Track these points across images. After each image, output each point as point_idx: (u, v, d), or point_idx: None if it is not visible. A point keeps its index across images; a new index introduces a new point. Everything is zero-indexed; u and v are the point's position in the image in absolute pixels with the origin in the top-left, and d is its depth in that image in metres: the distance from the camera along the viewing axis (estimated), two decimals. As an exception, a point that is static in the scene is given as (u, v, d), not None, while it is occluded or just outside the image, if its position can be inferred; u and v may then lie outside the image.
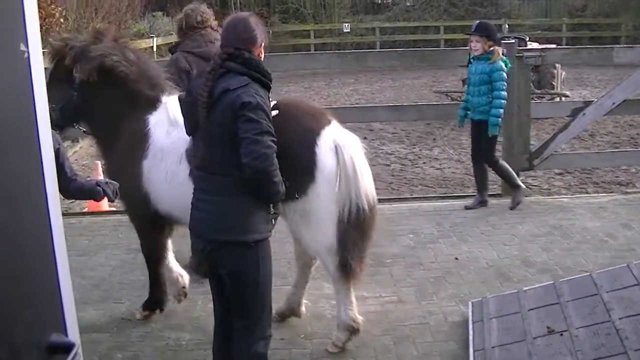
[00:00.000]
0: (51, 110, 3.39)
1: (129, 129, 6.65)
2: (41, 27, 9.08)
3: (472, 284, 7.64)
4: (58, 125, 6.41)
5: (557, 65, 20.01)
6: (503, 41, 11.48)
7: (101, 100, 6.62)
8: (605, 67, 26.74)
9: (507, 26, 26.25)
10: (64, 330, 2.62)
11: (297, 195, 5.82)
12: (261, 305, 5.18)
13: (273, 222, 5.15)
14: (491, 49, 9.83)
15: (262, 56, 5.12)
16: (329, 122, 6.11)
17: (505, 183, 10.51)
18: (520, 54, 10.69)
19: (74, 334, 2.67)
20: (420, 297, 7.37)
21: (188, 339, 6.75)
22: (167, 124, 6.56)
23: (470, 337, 6.21)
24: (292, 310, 6.96)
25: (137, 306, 7.31)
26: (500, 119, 9.76)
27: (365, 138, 17.14)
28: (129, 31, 19.73)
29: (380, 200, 10.82)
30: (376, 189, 12.30)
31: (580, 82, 27.53)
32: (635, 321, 5.40)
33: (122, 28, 25.75)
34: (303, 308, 7.00)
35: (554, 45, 20.21)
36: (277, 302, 7.17)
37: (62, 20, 19.85)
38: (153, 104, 6.71)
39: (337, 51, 22.22)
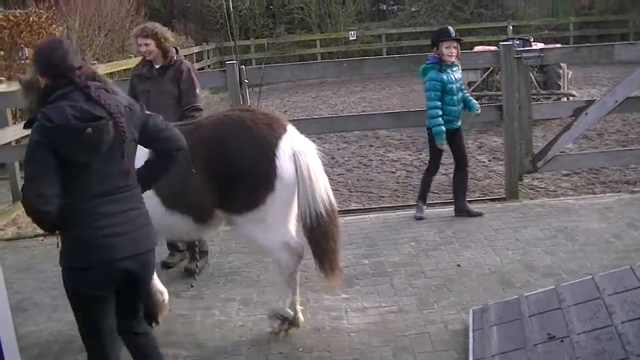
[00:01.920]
0: None
1: None
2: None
3: (474, 291, 7.52)
4: None
5: (562, 65, 19.87)
6: (504, 42, 11.38)
7: None
8: (613, 65, 26.61)
9: (511, 27, 26.08)
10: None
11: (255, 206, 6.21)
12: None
13: None
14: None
15: None
16: (285, 130, 6.31)
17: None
18: (519, 55, 10.56)
19: None
20: (421, 306, 7.26)
21: (185, 356, 6.67)
22: None
23: (470, 346, 6.11)
24: (290, 322, 6.89)
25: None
26: None
27: (371, 146, 17.15)
28: (133, 48, 19.60)
29: (382, 209, 10.92)
30: (381, 197, 12.53)
31: (588, 81, 27.36)
32: (637, 325, 5.30)
33: (126, 45, 25.81)
34: (300, 316, 6.95)
35: (559, 45, 20.05)
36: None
37: (63, 40, 19.78)
38: None
39: (332, 60, 22.11)
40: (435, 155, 10.20)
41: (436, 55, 9.91)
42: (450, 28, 10.13)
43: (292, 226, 6.68)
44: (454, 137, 10.07)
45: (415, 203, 10.43)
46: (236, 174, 6.17)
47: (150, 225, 5.02)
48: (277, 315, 6.77)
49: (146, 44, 8.47)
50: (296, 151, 6.24)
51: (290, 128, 6.39)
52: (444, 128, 9.73)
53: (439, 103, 9.75)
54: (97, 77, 4.79)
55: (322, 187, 6.34)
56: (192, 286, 8.27)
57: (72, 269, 4.73)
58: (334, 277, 6.55)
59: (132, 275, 4.85)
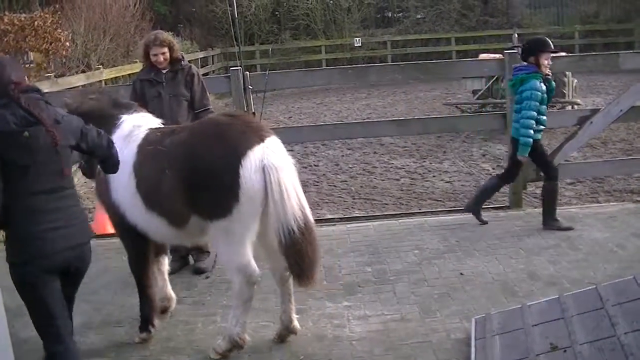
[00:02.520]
0: None
1: None
2: (47, 52, 9.20)
3: (476, 300, 7.50)
4: None
5: (567, 73, 19.86)
6: (509, 51, 11.36)
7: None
8: (618, 74, 26.59)
9: (516, 36, 26.02)
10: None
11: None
12: None
13: None
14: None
15: None
16: (260, 141, 6.19)
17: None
18: (524, 63, 10.52)
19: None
20: (423, 315, 7.24)
21: (186, 363, 6.65)
22: (122, 139, 6.74)
23: (472, 355, 6.09)
24: (287, 329, 6.90)
25: (136, 329, 7.23)
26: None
27: (375, 153, 17.14)
28: (137, 53, 19.64)
29: (386, 216, 10.88)
30: (385, 204, 12.51)
31: (593, 89, 27.35)
32: (640, 335, 5.27)
33: (131, 50, 25.81)
34: (296, 323, 6.92)
35: (564, 54, 20.03)
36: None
37: (67, 44, 19.82)
38: (114, 122, 6.97)
39: (338, 67, 22.11)
40: (516, 165, 9.92)
41: (532, 65, 9.59)
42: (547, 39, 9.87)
43: (250, 249, 6.48)
44: (538, 148, 9.80)
45: (420, 210, 10.37)
46: (201, 179, 6.18)
47: (85, 221, 5.67)
48: (231, 339, 6.58)
49: (163, 53, 8.65)
50: (267, 165, 6.09)
51: (270, 140, 6.28)
52: (532, 140, 9.53)
53: (535, 114, 9.47)
54: (39, 91, 5.43)
55: (295, 204, 6.19)
56: (207, 277, 8.73)
57: (16, 262, 5.23)
58: (310, 287, 6.48)
59: (71, 265, 5.38)
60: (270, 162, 6.10)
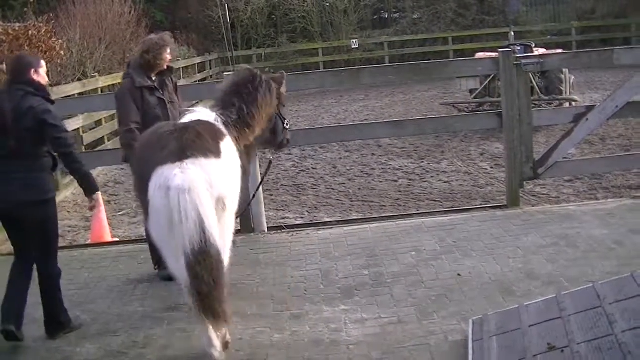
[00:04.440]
0: None
1: None
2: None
3: (474, 301, 7.44)
4: None
5: (564, 70, 19.85)
6: (503, 49, 11.33)
7: None
8: (616, 69, 26.49)
9: (512, 34, 26.02)
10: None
11: None
12: (54, 240, 7.51)
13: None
14: None
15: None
16: (176, 159, 6.16)
17: None
18: (519, 62, 10.49)
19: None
20: (421, 317, 7.17)
21: (183, 372, 6.62)
22: None
23: (470, 358, 6.05)
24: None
25: (133, 338, 7.26)
26: None
27: (373, 154, 17.12)
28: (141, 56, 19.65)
29: (383, 218, 10.85)
30: (382, 206, 12.50)
31: (591, 85, 27.38)
32: (639, 334, 5.22)
33: (127, 57, 25.78)
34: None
35: (560, 51, 20.01)
36: (280, 331, 7.10)
37: (62, 52, 19.79)
38: None
39: (330, 70, 22.12)
40: None
41: None
42: None
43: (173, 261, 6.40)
44: None
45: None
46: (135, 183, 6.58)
47: (32, 186, 7.14)
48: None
49: (170, 54, 8.80)
50: (170, 185, 6.03)
51: (190, 160, 6.17)
52: None
53: None
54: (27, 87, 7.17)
55: (193, 228, 6.01)
56: None
57: None
58: (215, 323, 6.29)
59: (12, 216, 7.24)
60: (174, 182, 6.02)
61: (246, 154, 7.50)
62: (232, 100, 7.38)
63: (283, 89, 8.07)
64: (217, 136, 6.68)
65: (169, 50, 8.72)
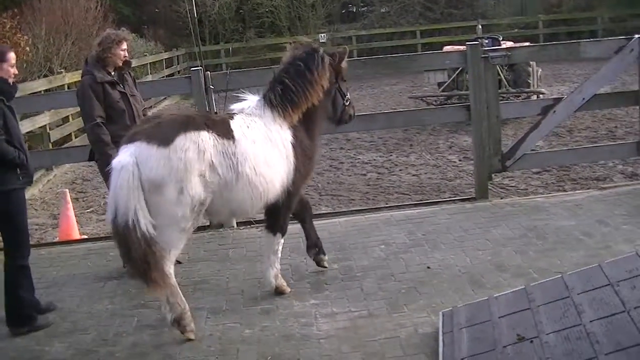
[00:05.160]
0: None
1: None
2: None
3: (444, 293, 7.47)
4: None
5: (532, 63, 19.94)
6: (471, 42, 11.35)
7: None
8: (583, 62, 26.64)
9: (480, 27, 26.07)
10: None
11: None
12: (21, 231, 7.56)
13: (20, 179, 7.45)
14: None
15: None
16: (127, 141, 6.86)
17: None
18: (486, 55, 10.52)
19: None
20: (391, 310, 7.19)
21: (152, 369, 6.60)
22: None
23: (440, 349, 6.06)
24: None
25: (103, 336, 7.25)
26: None
27: (342, 148, 17.11)
28: (96, 51, 19.53)
29: (353, 212, 10.86)
30: (351, 200, 12.50)
31: (558, 78, 27.52)
32: (606, 323, 5.28)
33: (94, 53, 25.57)
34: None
35: (527, 44, 20.10)
36: (250, 326, 7.09)
37: (28, 49, 19.64)
38: None
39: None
40: None
41: None
42: None
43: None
44: None
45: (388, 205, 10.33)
46: None
47: None
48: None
49: (126, 49, 8.82)
50: (113, 163, 6.77)
51: (136, 143, 6.73)
52: None
53: None
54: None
55: (119, 201, 6.62)
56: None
57: None
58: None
59: None
60: (115, 161, 6.76)
61: (305, 130, 7.74)
62: (281, 78, 7.63)
63: (344, 64, 8.05)
64: (182, 128, 6.82)
65: (124, 46, 8.70)
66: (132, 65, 9.11)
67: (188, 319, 6.99)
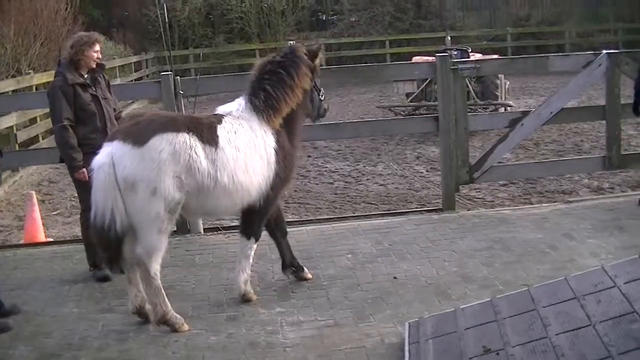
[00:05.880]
0: None
1: None
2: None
3: (410, 304, 7.49)
4: None
5: (500, 75, 20.07)
6: (440, 54, 11.41)
7: None
8: (550, 75, 26.84)
9: (449, 38, 26.18)
10: None
11: None
12: None
13: None
14: None
15: None
16: (108, 139, 7.10)
17: None
18: (455, 67, 10.57)
19: None
20: (357, 320, 7.19)
21: (117, 373, 6.56)
22: None
23: (406, 360, 6.07)
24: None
25: (68, 340, 7.17)
26: None
27: (309, 156, 17.11)
28: (68, 52, 19.43)
29: (320, 221, 10.87)
30: (318, 208, 12.50)
31: (525, 91, 27.72)
32: (571, 336, 5.31)
33: (63, 54, 25.40)
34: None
35: (496, 56, 20.23)
36: (216, 333, 7.07)
37: (-5, 49, 19.54)
38: None
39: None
40: None
41: None
42: None
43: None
44: None
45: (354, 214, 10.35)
46: None
47: None
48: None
49: (99, 51, 8.79)
50: (94, 161, 6.97)
51: (114, 143, 6.89)
52: None
53: None
54: None
55: (93, 203, 6.94)
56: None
57: None
58: None
59: None
60: (94, 160, 6.97)
61: (287, 133, 7.85)
62: (263, 83, 7.74)
63: (318, 61, 8.10)
64: (160, 128, 6.93)
65: (96, 48, 8.69)
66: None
67: (173, 317, 7.15)
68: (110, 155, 6.78)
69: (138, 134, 6.84)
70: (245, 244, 7.84)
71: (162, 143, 6.79)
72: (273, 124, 7.62)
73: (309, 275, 8.37)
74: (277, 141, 7.63)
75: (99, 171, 6.79)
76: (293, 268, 8.34)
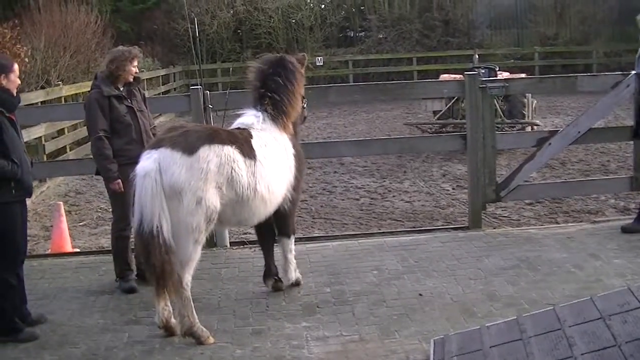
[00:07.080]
0: None
1: None
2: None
3: (435, 321, 7.49)
4: None
5: (527, 94, 20.01)
6: (469, 72, 11.42)
7: None
8: (577, 94, 26.76)
9: (477, 57, 26.13)
10: None
11: None
12: (10, 246, 7.44)
13: (14, 192, 7.35)
14: None
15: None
16: (150, 147, 7.19)
17: None
18: (484, 85, 10.57)
19: None
20: (382, 336, 7.20)
21: (143, 386, 6.59)
22: None
23: (431, 377, 6.07)
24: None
25: (93, 350, 7.20)
26: None
27: (335, 172, 17.13)
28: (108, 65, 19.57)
29: (346, 237, 10.87)
30: (344, 224, 12.50)
31: (552, 110, 27.61)
32: (597, 356, 5.31)
33: (92, 66, 25.62)
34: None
35: (523, 75, 20.19)
36: (242, 346, 7.09)
37: (27, 60, 19.66)
38: None
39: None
40: None
41: None
42: None
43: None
44: None
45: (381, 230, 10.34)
46: None
47: None
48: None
49: (137, 65, 8.98)
50: (137, 168, 6.99)
51: (159, 150, 6.96)
52: None
53: None
54: None
55: (141, 208, 6.89)
56: None
57: None
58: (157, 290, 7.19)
59: None
60: (139, 167, 6.97)
61: (295, 134, 8.35)
62: (266, 92, 8.03)
63: (303, 69, 8.50)
64: (207, 139, 7.11)
65: (135, 63, 8.85)
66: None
67: (200, 329, 7.19)
68: (157, 161, 6.85)
69: (187, 143, 6.96)
70: (286, 242, 8.37)
71: (210, 154, 6.95)
72: (288, 130, 8.01)
73: (284, 287, 8.57)
74: (294, 146, 8.06)
75: (145, 178, 6.84)
76: (275, 278, 8.56)
